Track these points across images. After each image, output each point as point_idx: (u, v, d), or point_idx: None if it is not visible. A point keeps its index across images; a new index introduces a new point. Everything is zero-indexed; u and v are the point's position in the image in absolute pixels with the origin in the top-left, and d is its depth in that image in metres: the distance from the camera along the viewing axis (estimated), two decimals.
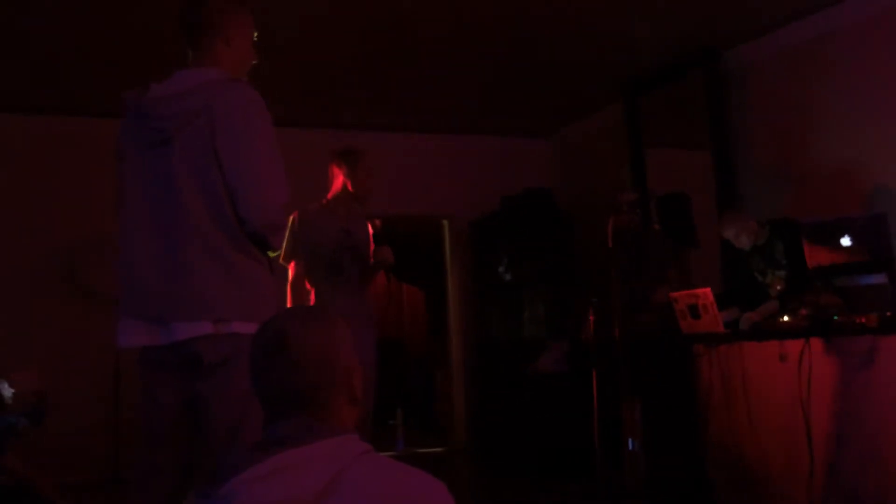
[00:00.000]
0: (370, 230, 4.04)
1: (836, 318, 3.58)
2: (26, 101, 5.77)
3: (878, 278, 3.57)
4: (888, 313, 3.43)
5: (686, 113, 5.79)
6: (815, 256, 3.61)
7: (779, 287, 4.22)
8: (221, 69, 2.26)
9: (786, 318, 3.95)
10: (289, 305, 3.85)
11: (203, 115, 2.13)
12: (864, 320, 3.42)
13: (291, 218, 3.92)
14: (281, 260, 3.86)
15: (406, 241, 8.71)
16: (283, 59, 5.17)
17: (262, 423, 2.12)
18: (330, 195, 4.05)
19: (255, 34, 2.41)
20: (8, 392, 3.97)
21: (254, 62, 2.41)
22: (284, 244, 3.79)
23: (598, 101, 6.37)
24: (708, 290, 4.11)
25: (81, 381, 5.64)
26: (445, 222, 7.30)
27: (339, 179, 4.05)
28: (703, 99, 5.42)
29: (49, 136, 6.01)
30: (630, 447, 4.42)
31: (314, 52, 5.12)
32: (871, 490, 3.31)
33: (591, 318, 4.36)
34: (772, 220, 4.36)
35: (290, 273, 3.94)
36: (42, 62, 5.04)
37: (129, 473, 2.23)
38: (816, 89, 4.83)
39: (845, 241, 3.55)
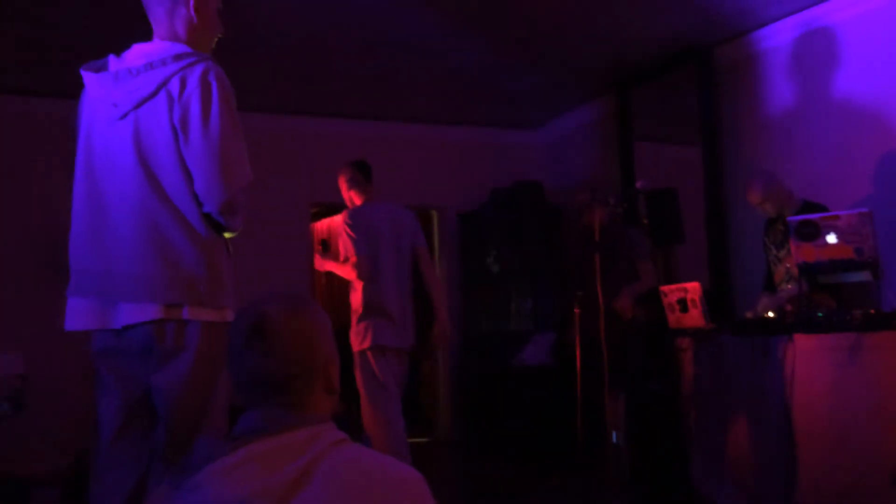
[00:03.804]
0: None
1: (820, 315, 3.58)
2: (5, 81, 5.70)
3: (863, 276, 3.58)
4: (872, 310, 3.45)
5: (676, 108, 5.79)
6: (801, 254, 3.61)
7: (788, 265, 4.12)
8: (184, 42, 2.17)
9: (770, 314, 3.97)
10: None
11: (162, 90, 2.06)
12: (848, 317, 3.43)
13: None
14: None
15: None
16: (264, 44, 5.14)
17: (225, 412, 2.08)
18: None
19: (220, 5, 2.32)
20: None
21: (219, 34, 2.32)
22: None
23: (588, 94, 6.36)
24: (696, 284, 4.12)
25: (63, 367, 5.60)
26: (434, 213, 7.29)
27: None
28: (693, 94, 5.42)
29: (31, 116, 5.94)
30: (613, 439, 4.43)
31: (296, 38, 5.08)
32: (855, 486, 3.33)
33: (576, 311, 4.36)
34: (807, 200, 4.17)
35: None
36: (28, 42, 4.99)
37: (92, 468, 2.15)
38: (805, 86, 4.83)
39: (831, 239, 3.55)
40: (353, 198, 4.31)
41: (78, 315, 2.10)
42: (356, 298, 4.13)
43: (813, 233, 3.57)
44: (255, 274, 4.34)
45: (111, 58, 2.17)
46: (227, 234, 2.20)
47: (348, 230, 4.08)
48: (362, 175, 4.32)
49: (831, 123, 4.65)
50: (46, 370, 5.41)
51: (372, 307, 4.08)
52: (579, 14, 4.77)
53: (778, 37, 4.97)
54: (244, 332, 1.43)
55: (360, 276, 4.05)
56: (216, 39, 2.32)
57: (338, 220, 4.33)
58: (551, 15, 4.77)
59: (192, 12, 2.19)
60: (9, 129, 5.94)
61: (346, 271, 4.10)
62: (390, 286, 4.15)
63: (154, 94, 2.06)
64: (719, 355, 3.94)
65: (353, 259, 4.03)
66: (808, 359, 3.50)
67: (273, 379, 1.41)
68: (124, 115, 2.09)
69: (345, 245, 4.09)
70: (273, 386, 1.41)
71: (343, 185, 4.33)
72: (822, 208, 4.02)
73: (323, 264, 4.21)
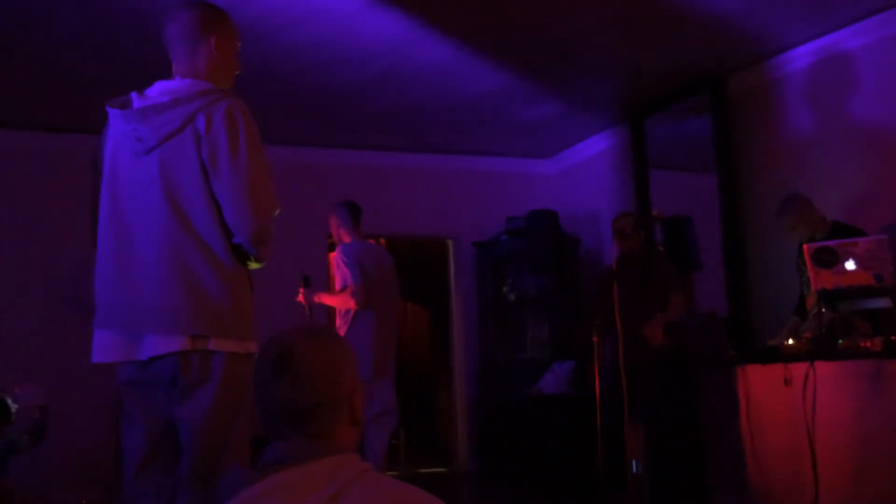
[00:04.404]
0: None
1: (840, 341, 3.56)
2: (26, 117, 5.80)
3: (883, 302, 3.56)
4: (893, 337, 3.42)
5: (691, 136, 5.81)
6: (820, 280, 3.60)
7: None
8: (205, 79, 2.22)
9: (790, 342, 3.94)
10: None
11: (189, 125, 2.10)
12: (868, 344, 3.41)
13: None
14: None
15: (411, 261, 8.73)
16: (281, 80, 5.22)
17: (247, 443, 2.10)
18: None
19: (239, 44, 2.37)
20: (13, 407, 3.96)
21: (237, 72, 2.37)
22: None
23: (603, 122, 6.39)
24: (715, 312, 4.10)
25: (83, 399, 5.63)
26: (450, 243, 7.30)
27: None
28: (708, 122, 5.44)
29: (52, 151, 6.03)
30: (634, 470, 4.39)
31: (311, 73, 5.15)
32: None
33: (595, 340, 4.34)
34: (837, 221, 4.16)
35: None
36: (45, 78, 5.09)
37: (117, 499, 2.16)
38: (820, 114, 4.84)
39: (850, 265, 3.53)
40: (342, 236, 4.64)
41: (104, 348, 2.13)
42: (343, 330, 4.41)
43: (831, 260, 3.56)
44: (273, 305, 4.38)
45: (133, 94, 2.21)
46: (255, 265, 2.22)
47: (344, 263, 4.39)
48: (351, 216, 4.67)
49: (846, 150, 4.65)
50: (68, 402, 5.44)
51: (361, 338, 4.33)
52: (594, 44, 4.81)
53: (792, 64, 4.99)
54: (271, 363, 1.45)
55: (358, 304, 4.34)
56: (234, 77, 2.37)
57: (352, 247, 4.61)
58: (566, 45, 4.82)
59: (214, 51, 2.25)
60: (25, 164, 6.02)
61: (342, 300, 4.40)
62: (381, 317, 4.46)
63: (181, 130, 2.11)
64: (740, 383, 3.92)
65: (352, 288, 4.31)
66: (830, 386, 3.47)
67: (299, 408, 1.43)
68: (150, 150, 2.13)
69: (342, 276, 4.40)
70: (299, 416, 1.43)
71: (333, 223, 4.68)
72: (856, 230, 3.99)
73: (312, 297, 4.45)
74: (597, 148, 6.79)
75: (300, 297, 4.43)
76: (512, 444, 6.20)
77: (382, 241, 8.77)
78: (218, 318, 2.08)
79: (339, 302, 4.42)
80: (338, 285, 4.46)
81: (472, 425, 6.95)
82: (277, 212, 2.20)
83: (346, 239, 4.61)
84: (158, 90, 2.21)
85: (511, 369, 6.60)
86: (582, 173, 7.06)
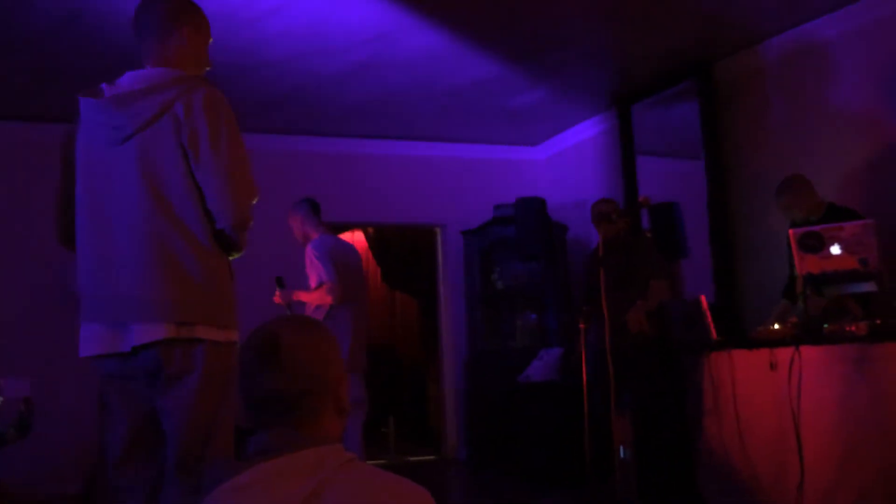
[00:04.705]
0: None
1: (825, 326, 3.58)
2: (25, 108, 5.75)
3: (867, 287, 3.58)
4: (878, 321, 3.44)
5: (678, 122, 5.81)
6: (806, 265, 3.61)
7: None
8: (179, 69, 2.20)
9: (776, 326, 3.96)
10: None
11: (167, 112, 2.08)
12: (853, 329, 3.43)
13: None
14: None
15: (399, 250, 8.72)
16: (265, 68, 5.18)
17: (231, 432, 2.10)
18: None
19: (210, 40, 2.36)
20: None
21: (207, 68, 2.35)
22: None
23: (591, 109, 6.39)
24: (702, 297, 4.12)
25: (69, 391, 5.61)
26: (438, 231, 7.30)
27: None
28: (695, 109, 5.44)
29: (31, 142, 5.96)
30: (621, 456, 4.42)
31: (295, 61, 5.11)
32: (863, 498, 3.31)
33: (582, 326, 4.35)
34: (832, 203, 4.18)
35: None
36: (21, 69, 5.03)
37: (101, 491, 2.16)
38: (806, 99, 4.85)
39: (835, 250, 3.55)
40: (308, 233, 4.63)
41: (91, 341, 2.11)
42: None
43: (817, 244, 3.57)
44: (258, 295, 4.37)
45: (104, 85, 2.18)
46: (234, 254, 2.21)
47: (318, 259, 4.40)
48: (314, 212, 4.66)
49: (832, 136, 4.67)
50: (53, 394, 5.41)
51: (338, 333, 4.34)
52: (581, 31, 4.80)
53: (778, 51, 4.99)
54: (257, 352, 1.44)
55: (334, 300, 4.34)
56: (204, 72, 2.34)
57: (324, 242, 4.57)
58: (553, 31, 4.81)
59: (185, 42, 2.24)
60: (8, 154, 5.97)
61: (319, 297, 4.39)
62: (356, 311, 4.49)
63: (159, 116, 2.08)
64: (727, 368, 3.94)
65: (328, 284, 4.33)
66: (815, 371, 3.50)
67: (285, 398, 1.42)
68: (127, 138, 2.10)
69: (318, 273, 4.39)
70: (285, 405, 1.42)
71: (298, 221, 4.66)
72: (850, 211, 4.00)
73: (289, 296, 4.43)
74: (584, 135, 6.79)
75: (277, 299, 4.42)
76: (500, 432, 6.22)
77: (370, 229, 8.79)
78: (202, 306, 2.07)
79: (316, 298, 4.40)
80: (312, 282, 4.44)
81: (460, 413, 6.96)
82: (256, 198, 2.19)
83: (314, 235, 4.58)
84: (130, 79, 2.18)
85: (500, 357, 6.61)
86: (569, 160, 7.06)
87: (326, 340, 1.51)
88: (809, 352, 3.53)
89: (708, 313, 4.05)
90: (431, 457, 7.13)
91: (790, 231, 3.74)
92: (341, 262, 4.47)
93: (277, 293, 4.41)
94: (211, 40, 2.37)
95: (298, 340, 1.46)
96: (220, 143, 2.09)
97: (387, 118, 6.41)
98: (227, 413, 2.11)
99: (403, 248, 8.67)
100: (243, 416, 1.49)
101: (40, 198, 5.90)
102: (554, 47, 5.05)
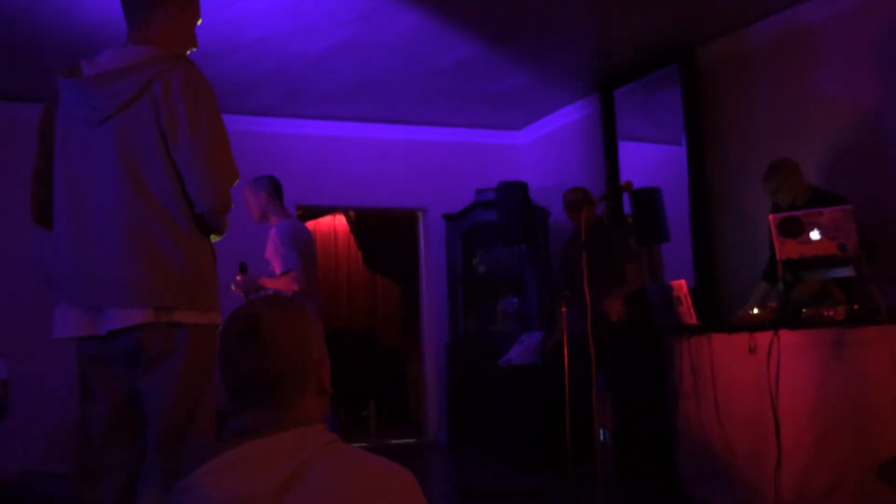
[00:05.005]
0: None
1: (804, 310, 3.62)
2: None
3: (845, 272, 3.61)
4: (855, 306, 3.48)
5: (660, 107, 5.82)
6: (785, 250, 3.64)
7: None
8: (162, 48, 2.15)
9: (755, 311, 3.99)
10: None
11: (146, 92, 2.03)
12: (831, 313, 3.46)
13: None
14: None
15: (380, 234, 8.70)
16: (245, 49, 5.12)
17: (213, 415, 2.08)
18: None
19: (199, 21, 2.30)
20: None
21: (193, 48, 2.30)
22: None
23: (572, 94, 6.38)
24: (682, 281, 4.14)
25: (50, 374, 5.55)
26: (419, 214, 7.29)
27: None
28: (677, 94, 5.45)
29: (8, 121, 5.88)
30: (601, 438, 4.44)
31: (274, 42, 5.06)
32: (840, 481, 3.35)
33: (563, 310, 4.37)
34: (818, 187, 4.19)
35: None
36: (10, 46, 4.95)
37: (80, 472, 2.13)
38: (788, 85, 4.87)
39: (814, 236, 3.57)
40: (268, 213, 4.43)
41: (65, 323, 2.08)
42: None
43: (796, 230, 3.60)
44: (222, 277, 4.34)
45: (83, 63, 2.13)
46: (214, 237, 2.18)
47: (285, 245, 4.23)
48: (277, 192, 4.47)
49: (815, 122, 4.69)
50: (31, 376, 5.36)
51: None
52: (564, 13, 4.78)
53: (760, 35, 5.00)
54: (237, 333, 1.43)
55: (300, 287, 4.20)
56: (188, 52, 2.29)
57: (290, 228, 4.39)
58: (535, 14, 4.78)
59: (171, 20, 2.18)
60: None
61: (284, 283, 4.22)
62: (318, 300, 4.38)
63: (137, 97, 2.04)
64: (706, 352, 3.97)
65: (293, 273, 4.19)
66: (794, 354, 3.53)
67: (266, 378, 1.41)
68: (105, 119, 2.06)
69: (283, 259, 4.23)
70: (266, 386, 1.41)
71: (261, 199, 4.42)
72: (834, 196, 4.03)
73: (251, 283, 4.25)
74: (567, 119, 6.78)
75: (235, 286, 4.22)
76: (481, 415, 6.25)
77: (351, 213, 8.75)
78: (181, 289, 2.04)
79: (282, 285, 4.23)
80: (277, 268, 4.28)
81: (441, 397, 6.98)
82: (236, 182, 2.15)
83: (274, 218, 4.42)
84: (109, 58, 2.13)
85: (481, 341, 6.63)
86: (552, 145, 7.06)
87: (308, 321, 1.50)
88: (788, 336, 3.56)
89: (688, 297, 4.08)
90: (412, 440, 7.14)
91: (770, 216, 3.77)
92: (305, 249, 4.33)
93: (238, 278, 4.23)
94: (200, 21, 2.31)
95: (279, 321, 1.44)
96: (199, 124, 2.04)
97: (368, 101, 6.37)
98: (209, 396, 2.10)
99: (385, 232, 8.64)
100: (224, 399, 1.48)
101: (14, 178, 5.82)
102: (536, 30, 5.03)
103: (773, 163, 4.25)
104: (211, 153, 2.06)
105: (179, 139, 2.03)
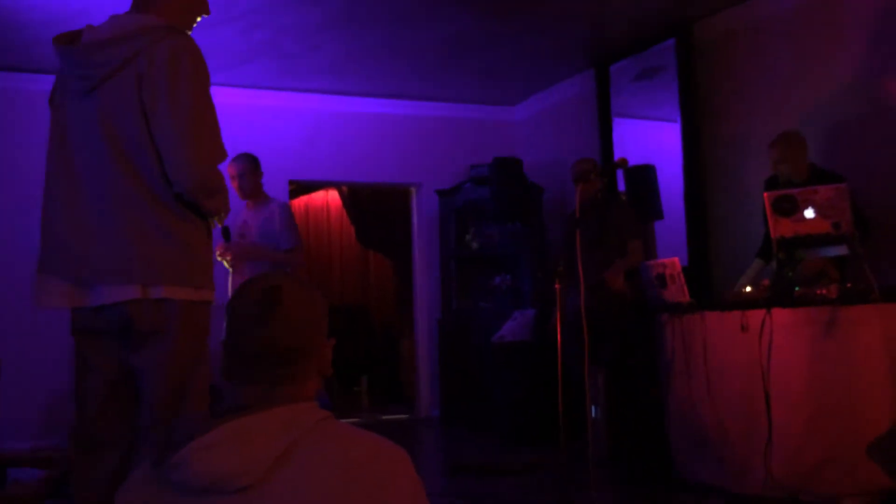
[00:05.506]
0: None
1: (797, 289, 3.62)
2: None
3: (839, 250, 3.61)
4: (848, 284, 3.48)
5: (655, 84, 5.78)
6: (780, 228, 3.63)
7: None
8: (162, 16, 2.08)
9: (748, 289, 3.99)
10: None
11: (130, 64, 1.97)
12: (824, 292, 3.46)
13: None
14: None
15: (373, 209, 8.66)
16: (238, 20, 5.06)
17: (206, 391, 2.06)
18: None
19: None
20: None
21: (204, 14, 2.24)
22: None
23: (568, 69, 6.33)
24: (675, 259, 4.13)
25: (39, 346, 5.54)
26: (412, 190, 7.26)
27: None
28: (673, 70, 5.41)
29: (11, 93, 5.82)
30: (593, 415, 4.46)
31: (268, 12, 5.00)
32: (831, 458, 3.37)
33: (557, 286, 4.36)
34: (816, 165, 4.18)
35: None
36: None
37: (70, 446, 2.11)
38: (785, 61, 4.84)
39: (809, 214, 3.57)
40: (257, 191, 4.45)
41: (50, 293, 2.05)
42: None
43: (791, 208, 3.59)
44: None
45: (86, 28, 2.08)
46: (210, 220, 2.15)
47: (291, 221, 4.36)
48: (259, 169, 4.48)
49: (811, 97, 4.67)
50: (21, 350, 5.35)
51: None
52: None
53: (758, 11, 4.96)
54: (258, 304, 1.40)
55: (300, 262, 4.35)
56: (199, 19, 2.24)
57: (290, 208, 4.53)
58: None
59: None
60: None
61: (287, 259, 4.28)
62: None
63: (121, 69, 1.98)
64: (699, 330, 3.97)
65: (299, 251, 4.34)
66: (786, 333, 3.53)
67: (279, 351, 1.39)
68: (92, 90, 2.01)
69: (291, 235, 4.32)
70: (277, 359, 1.39)
71: (256, 175, 4.43)
72: (832, 175, 4.01)
73: (241, 249, 4.21)
74: (562, 95, 6.74)
75: (222, 253, 4.12)
76: (473, 391, 6.27)
77: (344, 188, 8.71)
78: (170, 266, 2.01)
79: (285, 261, 4.25)
80: (281, 244, 4.31)
81: (433, 372, 6.99)
82: (222, 160, 2.09)
83: (258, 193, 4.46)
84: (108, 25, 2.08)
85: (474, 317, 6.63)
86: (547, 121, 7.02)
87: (321, 299, 1.50)
88: (781, 314, 3.56)
89: (681, 275, 4.07)
90: (404, 416, 7.17)
91: (765, 194, 3.76)
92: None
93: (221, 246, 4.13)
94: None
95: (300, 296, 1.44)
96: (180, 99, 1.96)
97: (362, 75, 6.31)
98: (203, 372, 2.09)
99: (378, 208, 8.61)
100: (220, 374, 1.46)
101: (7, 148, 5.77)
102: (531, 3, 4.98)
103: (783, 133, 4.23)
104: (191, 131, 1.98)
105: (158, 113, 1.97)
